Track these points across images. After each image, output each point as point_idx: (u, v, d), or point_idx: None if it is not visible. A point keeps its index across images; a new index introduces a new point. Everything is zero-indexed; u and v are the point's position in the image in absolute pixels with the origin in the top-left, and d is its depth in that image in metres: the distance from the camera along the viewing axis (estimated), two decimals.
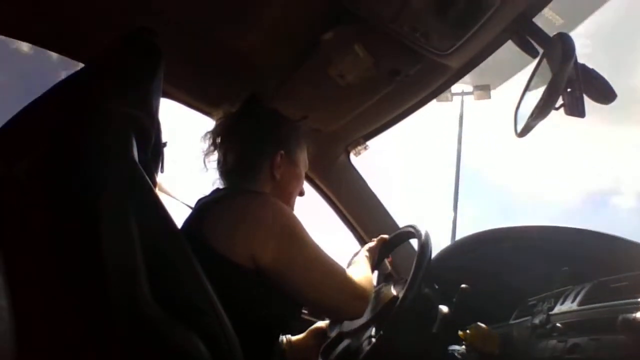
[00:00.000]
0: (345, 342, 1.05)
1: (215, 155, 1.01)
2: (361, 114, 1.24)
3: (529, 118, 0.80)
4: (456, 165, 7.51)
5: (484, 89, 7.25)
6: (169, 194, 1.05)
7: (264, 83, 1.12)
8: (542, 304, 0.80)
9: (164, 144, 0.86)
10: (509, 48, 0.93)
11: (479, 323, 0.85)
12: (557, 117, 0.76)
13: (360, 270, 0.96)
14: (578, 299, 0.72)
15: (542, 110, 0.76)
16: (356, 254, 1.11)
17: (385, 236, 1.16)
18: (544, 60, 0.83)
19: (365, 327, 0.98)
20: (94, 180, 0.66)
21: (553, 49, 0.78)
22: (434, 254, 1.00)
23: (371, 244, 1.15)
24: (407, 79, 1.06)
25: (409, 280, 0.91)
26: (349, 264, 1.05)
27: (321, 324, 1.17)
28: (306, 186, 1.45)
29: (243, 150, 0.96)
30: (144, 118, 0.76)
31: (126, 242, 0.63)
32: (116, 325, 0.60)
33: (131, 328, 0.60)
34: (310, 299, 0.85)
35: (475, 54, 0.99)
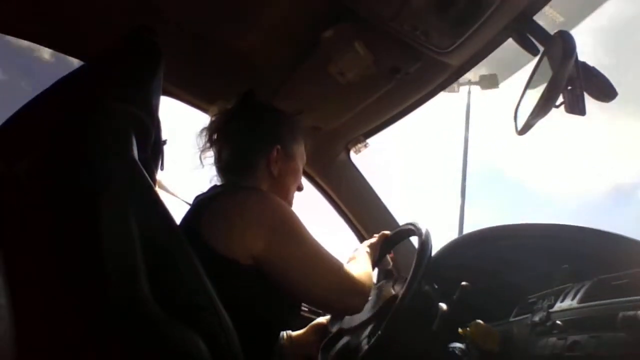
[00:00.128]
0: (345, 339, 1.05)
1: (211, 152, 1.01)
2: (361, 111, 1.24)
3: (529, 116, 0.80)
4: (463, 159, 7.33)
5: (491, 78, 6.96)
6: (169, 192, 1.05)
7: (265, 82, 1.12)
8: (542, 301, 0.81)
9: (164, 142, 0.86)
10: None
11: (479, 320, 0.85)
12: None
13: (360, 266, 0.95)
14: (578, 296, 0.72)
15: (542, 108, 0.76)
16: (357, 249, 1.10)
17: (387, 232, 1.16)
18: (545, 58, 0.82)
19: (366, 324, 0.98)
20: (94, 179, 0.66)
21: (553, 47, 0.78)
22: (434, 251, 1.00)
23: (372, 240, 1.14)
24: (407, 77, 1.06)
25: (408, 278, 0.92)
26: (349, 260, 1.04)
27: (322, 319, 1.17)
28: (306, 184, 1.47)
29: (239, 147, 0.96)
30: (144, 116, 0.76)
31: (126, 241, 0.63)
32: (116, 325, 0.60)
33: (131, 328, 0.60)
34: (308, 294, 0.85)
35: (475, 52, 0.99)
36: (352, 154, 1.48)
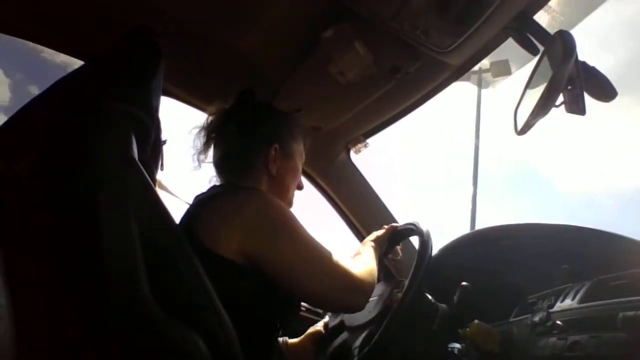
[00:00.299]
0: (345, 338, 1.06)
1: (210, 152, 1.01)
2: (361, 111, 1.24)
3: (529, 116, 0.80)
4: (474, 152, 7.12)
5: (502, 65, 6.40)
6: (169, 192, 1.05)
7: (265, 82, 1.12)
8: (542, 301, 0.81)
9: (164, 142, 0.87)
10: None
11: (479, 321, 0.85)
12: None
13: (363, 262, 0.94)
14: (578, 296, 0.73)
15: (542, 108, 0.76)
16: (364, 243, 1.09)
17: (396, 225, 1.15)
18: (545, 58, 0.82)
19: (367, 326, 0.99)
20: (94, 179, 0.66)
21: (553, 47, 0.78)
22: (435, 251, 1.00)
23: (379, 232, 1.13)
24: (407, 77, 1.06)
25: (409, 278, 0.92)
26: (355, 255, 1.03)
27: (319, 326, 1.17)
28: (306, 184, 1.47)
29: (236, 146, 0.96)
30: (144, 116, 0.76)
31: (126, 241, 0.63)
32: (116, 325, 0.60)
33: (131, 328, 0.60)
34: (308, 293, 0.84)
35: (475, 51, 0.99)
36: (352, 154, 1.47)
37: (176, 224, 0.75)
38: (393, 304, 0.97)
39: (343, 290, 0.84)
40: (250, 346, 0.74)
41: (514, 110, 0.89)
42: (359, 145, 1.43)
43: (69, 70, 0.77)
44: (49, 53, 0.91)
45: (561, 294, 0.77)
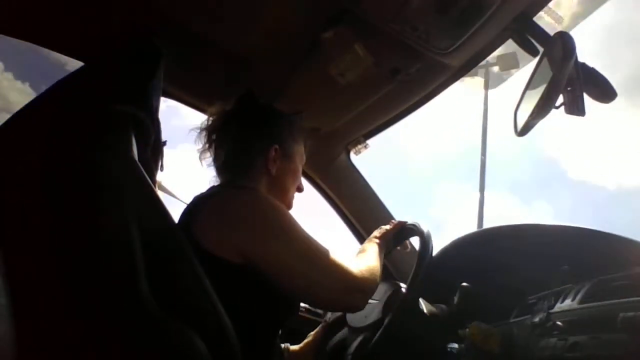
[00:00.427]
0: (344, 334, 1.06)
1: (211, 152, 1.01)
2: (361, 112, 1.24)
3: (529, 117, 0.80)
4: (482, 145, 6.98)
5: (510, 58, 6.12)
6: (169, 192, 1.05)
7: (265, 83, 1.12)
8: (542, 302, 0.80)
9: (164, 143, 0.87)
10: None
11: (479, 321, 0.85)
12: None
13: (364, 260, 0.94)
14: (578, 297, 0.72)
15: (542, 109, 0.76)
16: (369, 239, 1.08)
17: (404, 221, 1.13)
18: (544, 59, 0.82)
19: (362, 331, 0.99)
20: (94, 179, 0.67)
21: (553, 48, 0.78)
22: (435, 251, 1.00)
23: (387, 227, 1.11)
24: (407, 78, 1.06)
25: (409, 279, 0.92)
26: (359, 252, 1.02)
27: (319, 330, 1.17)
28: (306, 185, 1.47)
29: (237, 146, 0.96)
30: (144, 117, 0.76)
31: (126, 241, 0.63)
32: (116, 325, 0.60)
33: (131, 328, 0.61)
34: (306, 293, 0.84)
35: (475, 52, 0.99)
36: (352, 155, 1.48)
37: (176, 224, 0.75)
38: (390, 310, 0.96)
39: (342, 289, 0.84)
40: (250, 346, 0.74)
41: (514, 110, 0.89)
42: (359, 146, 1.43)
43: None
44: (72, 66, 0.92)
45: (561, 295, 0.77)
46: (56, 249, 0.61)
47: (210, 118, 1.01)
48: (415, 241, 1.10)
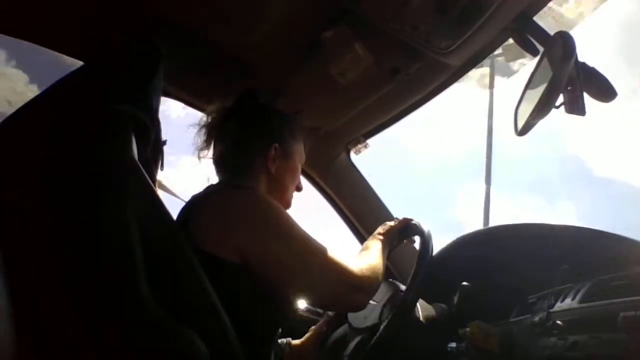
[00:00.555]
0: (343, 332, 1.06)
1: (210, 150, 1.00)
2: (361, 112, 1.24)
3: (529, 116, 0.80)
4: (487, 140, 6.87)
5: (515, 46, 6.15)
6: (169, 192, 1.06)
7: (265, 82, 1.12)
8: (542, 301, 0.81)
9: (164, 143, 0.87)
10: None
11: (479, 321, 0.85)
12: None
13: (366, 258, 0.92)
14: (578, 296, 0.72)
15: (542, 108, 0.76)
16: (373, 236, 1.06)
17: (410, 218, 1.10)
18: (545, 59, 0.82)
19: (360, 332, 0.99)
20: (94, 179, 0.67)
21: (553, 48, 0.78)
22: (435, 251, 1.00)
23: (391, 223, 1.10)
24: (407, 78, 1.06)
25: (410, 279, 0.92)
26: (362, 249, 1.01)
27: (321, 325, 1.17)
28: (306, 185, 1.47)
29: (236, 144, 0.95)
30: (144, 117, 0.76)
31: (126, 241, 0.63)
32: (116, 325, 0.60)
33: (131, 328, 0.61)
34: (301, 291, 0.83)
35: (475, 52, 0.99)
36: (352, 154, 1.48)
37: (176, 225, 0.75)
38: (388, 313, 0.95)
39: (341, 288, 0.83)
40: (250, 346, 0.74)
41: (514, 110, 0.89)
42: (359, 146, 1.43)
43: None
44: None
45: (561, 294, 0.77)
46: (56, 249, 0.61)
47: (209, 116, 1.01)
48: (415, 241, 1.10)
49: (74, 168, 0.67)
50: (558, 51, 0.75)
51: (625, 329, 0.60)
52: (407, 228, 1.08)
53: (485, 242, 1.11)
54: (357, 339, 0.98)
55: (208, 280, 0.70)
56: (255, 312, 0.81)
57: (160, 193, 0.75)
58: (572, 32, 0.76)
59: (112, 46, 0.87)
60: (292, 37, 1.00)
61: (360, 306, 0.89)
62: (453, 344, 0.89)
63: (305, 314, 1.43)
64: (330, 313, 1.19)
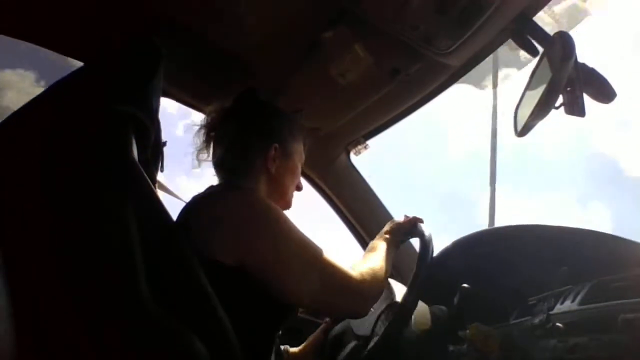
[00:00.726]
0: (342, 329, 1.06)
1: (209, 151, 0.99)
2: (361, 113, 1.24)
3: (529, 117, 0.80)
4: (491, 152, 6.76)
5: None
6: (169, 192, 1.05)
7: (265, 83, 1.12)
8: (542, 303, 0.80)
9: (164, 143, 0.87)
10: None
11: (479, 323, 0.85)
12: None
13: (369, 262, 0.90)
14: (578, 298, 0.72)
15: (542, 109, 0.76)
16: (379, 235, 1.04)
17: (420, 218, 1.08)
18: (544, 59, 0.82)
19: (361, 339, 0.98)
20: (94, 180, 0.67)
21: (553, 48, 0.78)
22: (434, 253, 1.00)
23: (399, 221, 1.07)
24: (407, 78, 1.06)
25: (410, 280, 0.91)
26: (368, 250, 0.99)
27: (319, 332, 1.17)
28: (306, 185, 1.47)
29: (236, 144, 0.94)
30: (144, 117, 0.76)
31: (126, 241, 0.63)
32: (116, 325, 0.60)
33: (131, 328, 0.61)
34: (298, 296, 0.80)
35: (475, 52, 0.99)
36: (352, 155, 1.48)
37: (176, 225, 0.75)
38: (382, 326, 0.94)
39: (339, 294, 0.82)
40: (250, 347, 0.74)
41: (514, 111, 0.89)
42: (359, 147, 1.43)
43: None
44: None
45: (561, 296, 0.77)
46: (56, 249, 0.61)
47: (209, 116, 1.00)
48: (415, 242, 1.09)
49: (74, 168, 0.67)
50: (557, 52, 0.75)
51: (625, 331, 0.60)
52: (415, 228, 1.06)
53: (485, 244, 1.10)
54: (353, 343, 0.98)
55: (208, 282, 0.70)
56: (254, 314, 0.80)
57: (160, 194, 0.75)
58: (571, 32, 0.76)
59: (112, 46, 0.87)
60: (292, 37, 1.00)
61: (361, 313, 0.87)
62: (453, 346, 0.88)
63: (305, 316, 1.43)
64: (328, 320, 1.19)
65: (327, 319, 1.20)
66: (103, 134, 0.70)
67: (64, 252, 0.61)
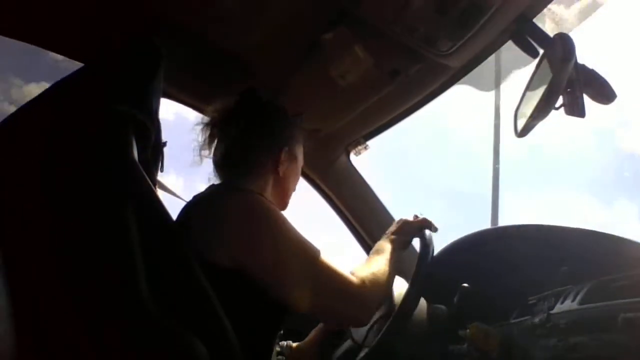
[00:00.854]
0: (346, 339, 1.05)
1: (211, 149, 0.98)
2: (361, 114, 1.24)
3: (529, 118, 0.80)
4: (494, 156, 6.71)
5: None
6: (169, 191, 1.05)
7: (265, 82, 1.12)
8: (542, 303, 0.81)
9: (164, 144, 0.87)
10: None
11: (479, 322, 0.85)
12: None
13: (371, 266, 0.87)
14: (578, 298, 0.72)
15: (542, 110, 0.77)
16: (386, 236, 1.00)
17: (429, 219, 1.04)
18: (544, 61, 0.83)
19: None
20: (94, 180, 0.67)
21: (553, 49, 0.79)
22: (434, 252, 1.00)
23: (408, 220, 1.02)
24: (407, 79, 1.06)
25: (410, 281, 0.91)
26: (372, 253, 0.95)
27: (322, 327, 1.16)
28: (306, 185, 1.47)
29: (241, 145, 0.93)
30: (144, 118, 0.76)
31: (126, 241, 0.63)
32: (116, 325, 0.60)
33: (131, 328, 0.60)
34: (300, 303, 0.78)
35: (475, 54, 0.99)
36: (352, 156, 1.48)
37: (176, 225, 0.74)
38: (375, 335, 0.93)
39: (337, 301, 0.80)
40: (250, 347, 0.74)
41: (514, 112, 0.89)
42: (359, 148, 1.43)
43: None
44: None
45: (561, 296, 0.77)
46: (56, 249, 0.61)
47: (213, 114, 0.98)
48: (415, 242, 1.09)
49: (74, 168, 0.67)
50: (558, 53, 0.75)
51: (625, 331, 0.60)
52: (423, 230, 1.01)
53: (485, 244, 1.10)
54: (349, 344, 0.98)
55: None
56: (254, 315, 0.80)
57: (160, 193, 0.75)
58: (571, 34, 0.76)
59: (112, 46, 0.87)
60: (292, 38, 1.00)
61: (361, 320, 0.85)
62: (453, 346, 0.88)
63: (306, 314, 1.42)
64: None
65: None
66: (103, 134, 0.70)
67: (64, 252, 0.61)
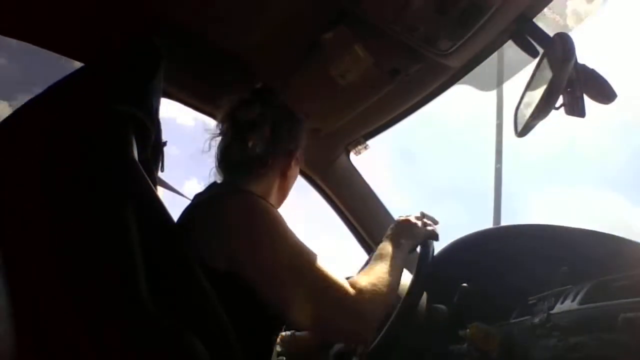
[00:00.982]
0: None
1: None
2: (361, 113, 1.24)
3: (529, 118, 0.80)
4: (497, 139, 6.67)
5: None
6: (170, 188, 1.05)
7: (265, 83, 1.12)
8: (542, 303, 0.80)
9: (164, 143, 0.87)
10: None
11: (479, 322, 0.85)
12: None
13: (372, 275, 0.82)
14: (578, 298, 0.72)
15: (542, 110, 0.77)
16: (390, 237, 0.94)
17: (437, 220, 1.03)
18: (544, 60, 0.83)
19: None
20: (94, 180, 0.67)
21: (553, 49, 0.79)
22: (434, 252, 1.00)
23: (416, 223, 0.98)
24: (407, 79, 1.06)
25: (410, 281, 0.91)
26: (374, 257, 0.89)
27: None
28: (306, 186, 1.47)
29: (267, 151, 0.92)
30: (144, 117, 0.76)
31: (126, 241, 0.63)
32: (116, 325, 0.60)
33: (131, 328, 0.61)
34: (295, 314, 0.76)
35: (475, 53, 0.99)
36: (352, 155, 1.48)
37: (176, 226, 0.75)
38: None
39: (333, 313, 0.76)
40: (250, 347, 0.74)
41: (514, 111, 0.89)
42: (359, 147, 1.43)
43: None
44: None
45: (561, 296, 0.77)
46: (56, 249, 0.61)
47: (229, 109, 0.97)
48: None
49: (74, 168, 0.67)
50: (558, 53, 0.75)
51: (625, 331, 0.60)
52: (430, 238, 0.99)
53: (485, 244, 1.10)
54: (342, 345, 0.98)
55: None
56: (253, 316, 0.79)
57: (161, 192, 0.74)
58: (571, 34, 0.76)
59: (112, 46, 0.87)
60: (292, 37, 1.00)
61: (361, 333, 0.79)
62: (453, 346, 0.88)
63: None
64: None
65: None
66: (103, 134, 0.70)
67: (64, 252, 0.61)
